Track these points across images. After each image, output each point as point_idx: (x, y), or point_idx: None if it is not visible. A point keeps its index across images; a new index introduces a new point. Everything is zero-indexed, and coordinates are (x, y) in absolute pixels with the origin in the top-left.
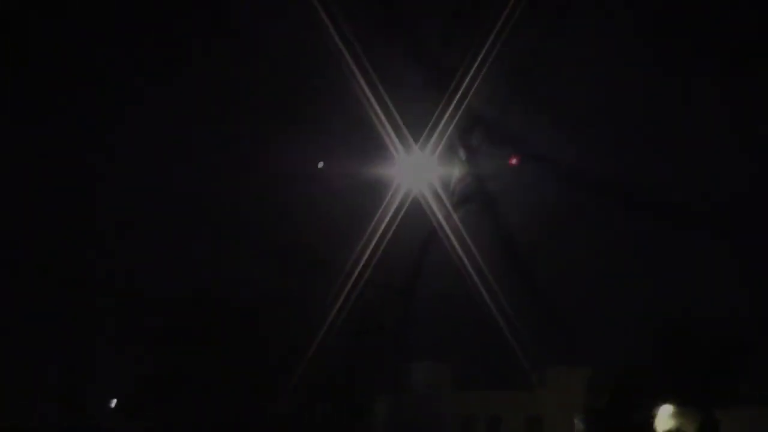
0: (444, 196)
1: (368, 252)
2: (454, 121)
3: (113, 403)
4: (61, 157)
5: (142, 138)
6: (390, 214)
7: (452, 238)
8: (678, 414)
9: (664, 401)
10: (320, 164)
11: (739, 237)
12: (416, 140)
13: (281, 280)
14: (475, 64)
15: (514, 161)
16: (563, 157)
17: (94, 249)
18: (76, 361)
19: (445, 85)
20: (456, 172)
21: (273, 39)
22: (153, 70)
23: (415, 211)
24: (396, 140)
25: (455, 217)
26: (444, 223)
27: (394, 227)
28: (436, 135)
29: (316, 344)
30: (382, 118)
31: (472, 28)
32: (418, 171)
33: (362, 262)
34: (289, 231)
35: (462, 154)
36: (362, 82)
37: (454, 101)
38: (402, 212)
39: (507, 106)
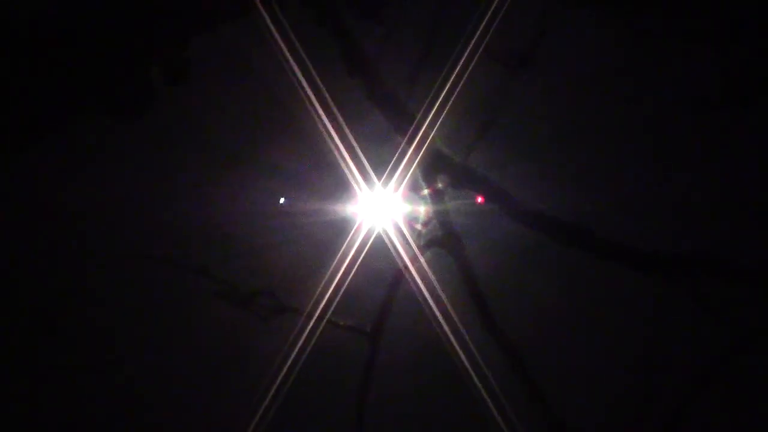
0: (410, 238)
1: (330, 292)
2: (418, 158)
3: None
4: None
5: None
6: (353, 251)
7: (419, 281)
8: None
9: None
10: (282, 200)
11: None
12: (379, 177)
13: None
14: (439, 101)
15: (479, 200)
16: (531, 196)
17: None
18: None
19: (409, 123)
20: (421, 210)
21: (235, 76)
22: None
23: (379, 250)
24: (359, 177)
25: (422, 260)
26: (410, 264)
27: (357, 265)
28: (399, 172)
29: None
30: (345, 154)
31: (437, 65)
32: (381, 208)
33: (323, 303)
34: (248, 269)
35: (426, 192)
36: (324, 117)
37: (417, 138)
38: (365, 250)
39: (472, 144)
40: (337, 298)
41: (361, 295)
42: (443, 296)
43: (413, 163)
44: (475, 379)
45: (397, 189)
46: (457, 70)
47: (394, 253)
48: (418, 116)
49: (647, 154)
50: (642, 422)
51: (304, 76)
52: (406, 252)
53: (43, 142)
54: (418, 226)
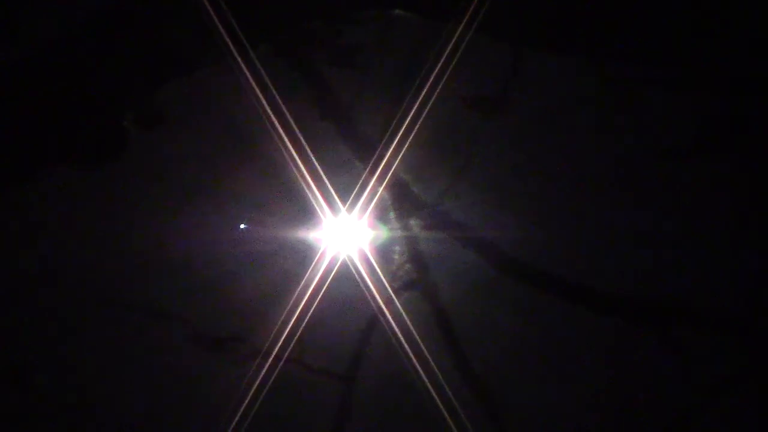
0: (385, 281)
1: (293, 326)
2: (383, 184)
3: None
4: None
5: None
6: (316, 280)
7: (393, 324)
8: None
9: None
10: (242, 226)
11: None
12: (344, 203)
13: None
14: (404, 126)
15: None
16: (501, 237)
17: None
18: None
19: (374, 149)
20: (387, 238)
21: (198, 102)
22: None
23: (345, 281)
24: (323, 203)
25: (398, 302)
26: (384, 307)
27: (321, 294)
28: (364, 199)
29: None
30: (309, 180)
31: (401, 90)
32: (346, 235)
33: (282, 339)
34: (211, 303)
35: (392, 219)
36: (287, 141)
37: (382, 165)
38: (330, 278)
39: (446, 188)
40: (299, 332)
41: (328, 328)
42: (409, 322)
43: (378, 190)
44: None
45: (362, 216)
46: (420, 100)
47: (361, 283)
48: (382, 144)
49: (619, 198)
50: None
51: (268, 103)
52: (373, 281)
53: (8, 192)
54: (396, 270)
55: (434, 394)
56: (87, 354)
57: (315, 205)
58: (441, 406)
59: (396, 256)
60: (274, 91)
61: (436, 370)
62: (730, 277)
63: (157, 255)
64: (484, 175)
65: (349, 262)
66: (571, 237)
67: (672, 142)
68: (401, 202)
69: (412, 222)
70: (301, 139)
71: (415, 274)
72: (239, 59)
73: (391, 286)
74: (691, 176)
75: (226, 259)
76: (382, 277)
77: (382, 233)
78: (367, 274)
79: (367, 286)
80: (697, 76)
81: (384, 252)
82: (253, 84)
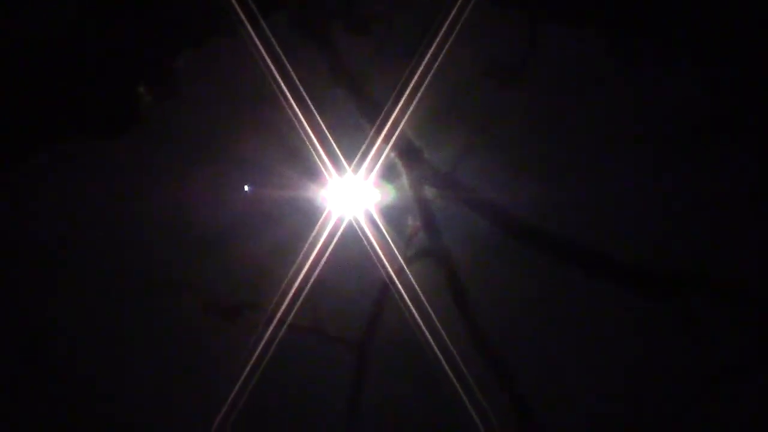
0: (396, 249)
1: (295, 288)
2: (390, 143)
3: None
4: None
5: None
6: (322, 241)
7: (404, 294)
8: None
9: None
10: (246, 188)
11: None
12: (350, 163)
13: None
14: (411, 85)
15: (452, 188)
16: (516, 204)
17: None
18: None
19: (381, 108)
20: (394, 197)
21: (203, 61)
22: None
23: (352, 242)
24: (328, 163)
25: (408, 272)
26: (394, 276)
27: (326, 256)
28: (370, 158)
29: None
30: (314, 139)
31: (408, 50)
32: (352, 195)
33: (288, 300)
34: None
35: (399, 178)
36: (292, 101)
37: (389, 123)
38: (336, 239)
39: (461, 155)
40: (303, 294)
41: (335, 291)
42: (414, 282)
43: (384, 151)
44: (459, 387)
45: (368, 176)
46: (428, 58)
47: (366, 243)
48: (393, 108)
49: (635, 168)
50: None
51: (274, 64)
52: (380, 242)
53: (26, 165)
54: (410, 238)
55: (443, 359)
56: (98, 324)
57: (322, 166)
58: (450, 373)
59: (405, 218)
60: (284, 59)
61: (444, 332)
62: (747, 249)
63: (166, 221)
64: (499, 141)
65: (354, 223)
66: (586, 205)
67: (690, 115)
68: (412, 165)
69: (423, 185)
70: (309, 103)
71: (425, 237)
72: (250, 29)
73: (398, 247)
74: (709, 148)
75: (232, 222)
76: (388, 238)
77: (391, 194)
78: (373, 235)
79: (373, 248)
80: (715, 51)
81: (391, 213)
82: (263, 52)
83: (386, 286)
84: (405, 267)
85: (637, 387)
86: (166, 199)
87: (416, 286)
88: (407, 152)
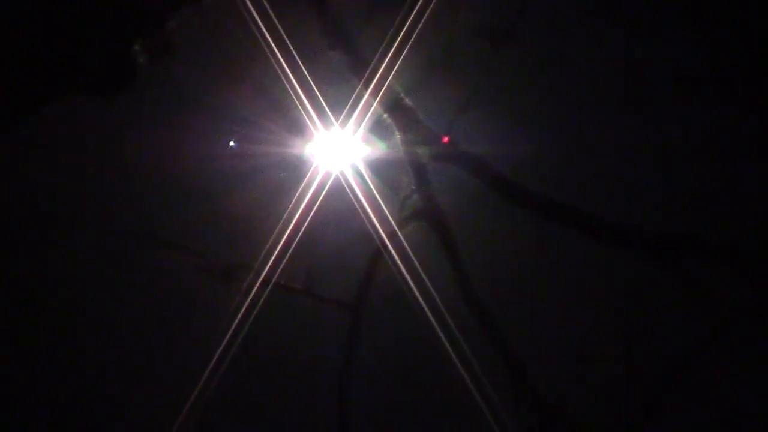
0: (384, 205)
1: (281, 244)
2: (378, 97)
3: None
4: None
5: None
6: (309, 196)
7: (397, 258)
8: None
9: None
10: (231, 143)
11: None
12: (337, 117)
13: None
14: (399, 37)
15: (445, 140)
16: (507, 166)
17: None
18: None
19: (368, 60)
20: (382, 150)
21: (193, 15)
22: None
23: (339, 199)
24: (315, 117)
25: (401, 235)
26: (386, 239)
27: (314, 210)
28: (358, 112)
29: None
30: (300, 93)
31: (398, 2)
32: (338, 150)
33: (274, 257)
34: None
35: (387, 132)
36: (278, 54)
37: (377, 76)
38: (323, 194)
39: (454, 118)
40: (290, 251)
41: (322, 247)
42: (409, 249)
43: (371, 105)
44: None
45: (355, 131)
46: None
47: (353, 198)
48: (376, 58)
49: (630, 129)
50: (624, 399)
51: (258, 15)
52: (367, 196)
53: (23, 122)
54: (402, 200)
55: (434, 320)
56: (92, 282)
57: (308, 120)
58: (441, 334)
59: (393, 173)
60: (270, 11)
61: (435, 290)
62: (741, 211)
63: (156, 178)
64: (492, 99)
65: (341, 178)
66: (582, 167)
67: (682, 74)
68: (401, 120)
69: (412, 141)
70: (296, 56)
71: (417, 199)
72: None
73: (386, 202)
74: (702, 108)
75: (218, 177)
76: (376, 193)
77: (379, 149)
78: (360, 189)
79: (360, 203)
80: (709, 8)
81: (380, 168)
82: (249, 4)
83: (374, 243)
84: (394, 224)
85: (633, 347)
86: (153, 153)
87: (406, 245)
88: (396, 107)
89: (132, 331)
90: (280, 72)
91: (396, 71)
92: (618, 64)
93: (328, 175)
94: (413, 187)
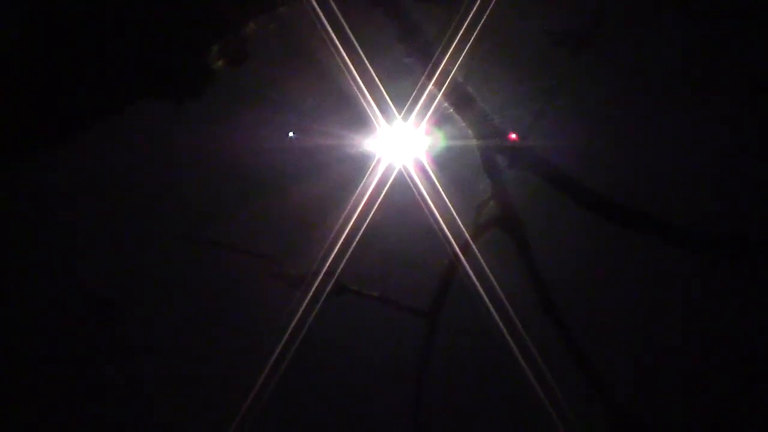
0: (461, 222)
1: (342, 240)
2: (442, 90)
3: None
4: None
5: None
6: (371, 190)
7: (470, 272)
8: None
9: None
10: (291, 134)
11: None
12: (399, 111)
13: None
14: (462, 30)
15: (513, 137)
16: (579, 170)
17: None
18: None
19: (432, 53)
20: (445, 146)
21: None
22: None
23: (402, 191)
24: (377, 110)
25: (474, 247)
26: (459, 253)
27: (381, 208)
28: (421, 105)
29: None
30: (362, 86)
31: (482, 22)
32: (402, 144)
33: (334, 253)
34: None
35: (450, 127)
36: (340, 47)
37: (440, 69)
38: (386, 188)
39: (532, 122)
40: (351, 248)
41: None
42: (466, 232)
43: (435, 98)
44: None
45: (418, 125)
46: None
47: (416, 192)
48: (442, 45)
49: (705, 137)
50: (700, 407)
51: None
52: (430, 191)
53: (97, 125)
54: (480, 207)
55: (510, 330)
56: (164, 287)
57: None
58: (516, 344)
59: (472, 181)
60: (333, 3)
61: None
62: None
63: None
64: (568, 104)
65: (404, 172)
66: (663, 172)
67: (758, 76)
68: (466, 114)
69: (485, 141)
70: (359, 48)
71: (494, 205)
72: None
73: (449, 197)
74: None
75: (277, 170)
76: (439, 186)
77: (443, 143)
78: (423, 183)
79: (423, 197)
80: None
81: (444, 162)
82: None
83: (449, 249)
84: (467, 230)
85: (704, 351)
86: (225, 151)
87: (480, 254)
88: (461, 100)
89: (202, 339)
90: (342, 65)
91: (460, 63)
92: (694, 67)
93: (390, 169)
94: (488, 194)
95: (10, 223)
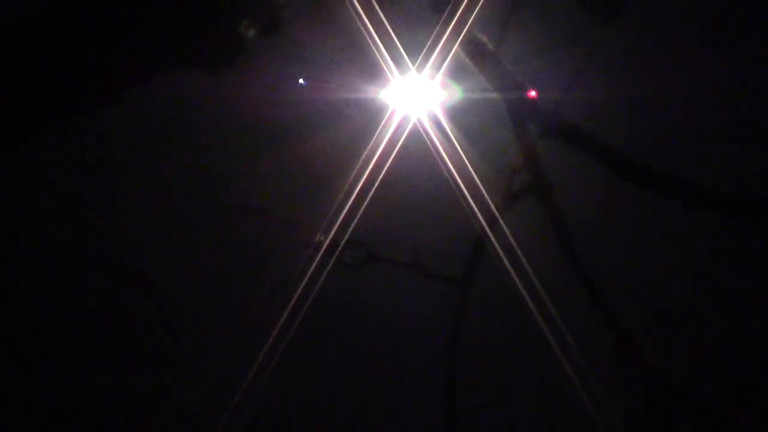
0: (462, 152)
1: (354, 195)
2: (458, 41)
3: None
4: None
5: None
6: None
7: (498, 246)
8: None
9: None
10: (301, 81)
11: None
12: (414, 61)
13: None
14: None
15: (532, 94)
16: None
17: None
18: None
19: (447, 3)
20: (456, 96)
21: None
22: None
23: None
24: (390, 61)
25: (502, 222)
26: (485, 225)
27: (391, 158)
28: (436, 56)
29: None
30: (374, 35)
31: None
32: (416, 95)
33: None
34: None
35: (468, 80)
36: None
37: (455, 19)
38: (400, 141)
39: (565, 91)
40: (365, 204)
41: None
42: (484, 190)
43: (452, 48)
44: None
45: (433, 76)
46: None
47: (431, 145)
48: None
49: (736, 109)
50: (731, 373)
51: None
52: (447, 148)
53: (128, 94)
54: (510, 178)
55: (540, 305)
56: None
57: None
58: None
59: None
60: None
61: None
62: None
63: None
64: (599, 71)
65: (419, 125)
66: (698, 141)
67: None
68: (483, 65)
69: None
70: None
71: (526, 174)
72: None
73: (463, 150)
74: None
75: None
76: (454, 140)
77: (458, 95)
78: (437, 136)
79: (438, 150)
80: None
81: (458, 115)
82: None
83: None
84: (468, 163)
85: (737, 319)
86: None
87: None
88: (477, 51)
89: (230, 311)
90: (353, 12)
91: (476, 12)
92: (723, 43)
93: (404, 121)
94: (519, 164)
95: (38, 196)
